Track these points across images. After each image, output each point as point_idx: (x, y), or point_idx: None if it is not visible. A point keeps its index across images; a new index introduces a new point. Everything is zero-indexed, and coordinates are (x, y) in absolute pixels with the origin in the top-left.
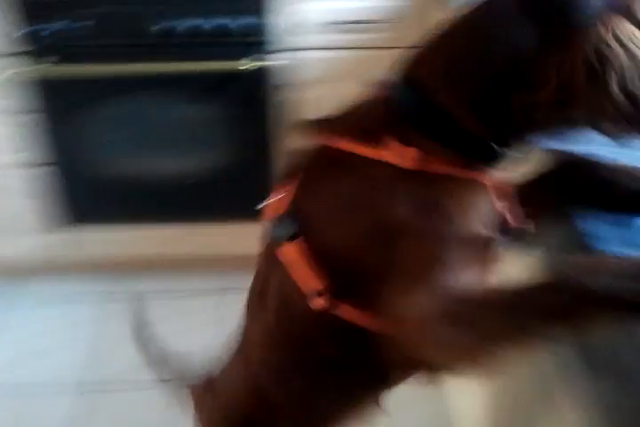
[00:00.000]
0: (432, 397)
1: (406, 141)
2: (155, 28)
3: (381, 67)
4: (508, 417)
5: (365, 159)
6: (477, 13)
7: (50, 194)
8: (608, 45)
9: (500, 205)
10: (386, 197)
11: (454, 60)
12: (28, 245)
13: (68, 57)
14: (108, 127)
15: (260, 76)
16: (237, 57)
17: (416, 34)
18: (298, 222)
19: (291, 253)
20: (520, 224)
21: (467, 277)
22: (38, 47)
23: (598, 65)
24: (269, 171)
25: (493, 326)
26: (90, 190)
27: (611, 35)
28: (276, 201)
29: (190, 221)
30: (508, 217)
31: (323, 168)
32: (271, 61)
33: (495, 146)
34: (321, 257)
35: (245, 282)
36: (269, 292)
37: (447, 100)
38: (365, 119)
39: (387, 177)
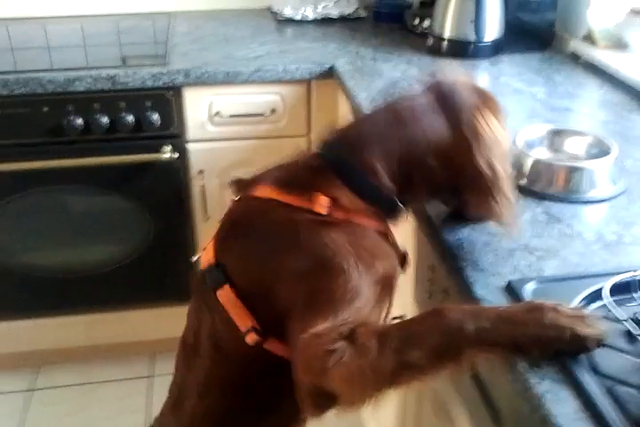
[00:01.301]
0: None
1: (327, 192)
2: (72, 126)
3: (281, 153)
4: None
5: (286, 205)
6: (400, 105)
7: None
8: (480, 130)
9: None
10: (294, 240)
11: (377, 134)
12: None
13: None
14: (19, 219)
15: (175, 165)
16: (153, 148)
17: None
18: (223, 270)
19: (224, 297)
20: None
21: (367, 313)
22: None
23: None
24: (187, 255)
25: (385, 362)
26: None
27: (483, 123)
28: (204, 252)
29: (104, 308)
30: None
31: (242, 215)
32: (185, 151)
33: (399, 203)
34: (246, 299)
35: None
36: (202, 339)
37: (368, 161)
38: (295, 173)
39: (301, 221)
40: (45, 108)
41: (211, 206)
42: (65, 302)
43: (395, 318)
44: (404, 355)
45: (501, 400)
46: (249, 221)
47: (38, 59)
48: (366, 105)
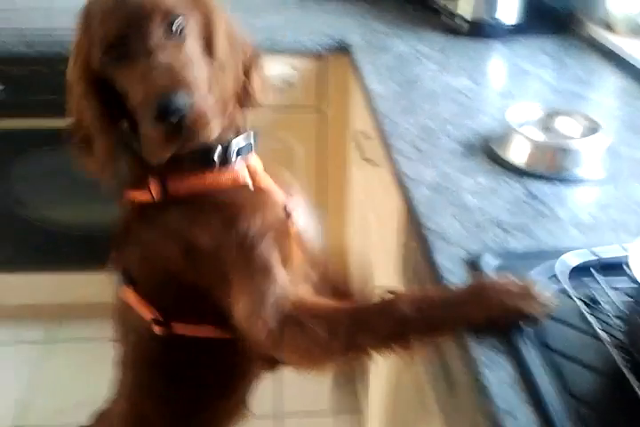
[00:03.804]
0: None
1: (156, 177)
2: None
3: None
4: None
5: (140, 203)
6: None
7: None
8: None
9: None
10: (164, 230)
11: None
12: None
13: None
14: (42, 175)
15: None
16: None
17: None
18: (127, 274)
19: (128, 295)
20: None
21: (285, 280)
22: None
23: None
24: None
25: (335, 345)
26: (7, 238)
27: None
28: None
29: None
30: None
31: (125, 220)
32: None
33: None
34: (144, 294)
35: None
36: (127, 331)
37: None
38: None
39: (154, 213)
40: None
41: None
42: (87, 259)
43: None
44: (354, 339)
45: (456, 372)
46: (127, 228)
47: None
48: (370, 78)
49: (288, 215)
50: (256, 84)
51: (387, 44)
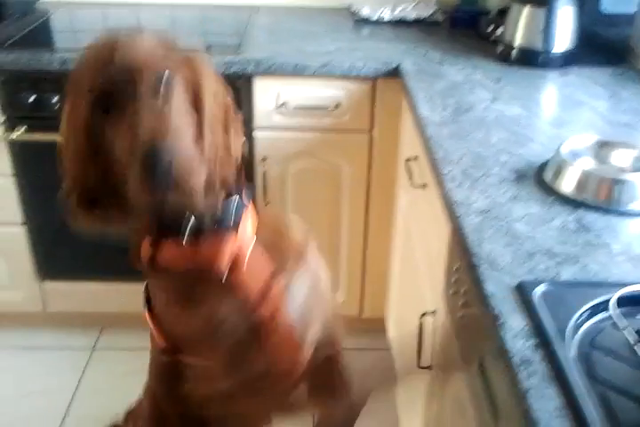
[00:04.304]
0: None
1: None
2: None
3: (342, 146)
4: None
5: None
6: None
7: (23, 251)
8: None
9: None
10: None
11: None
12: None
13: (43, 124)
14: None
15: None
16: None
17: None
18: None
19: (147, 319)
20: None
21: None
22: (15, 114)
23: None
24: None
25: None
26: (60, 248)
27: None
28: None
29: None
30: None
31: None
32: (251, 138)
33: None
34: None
35: None
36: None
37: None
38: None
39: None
40: None
41: (271, 193)
42: (132, 270)
43: (424, 315)
44: None
45: (499, 396)
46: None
47: None
48: (422, 104)
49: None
50: (236, 142)
51: (439, 72)
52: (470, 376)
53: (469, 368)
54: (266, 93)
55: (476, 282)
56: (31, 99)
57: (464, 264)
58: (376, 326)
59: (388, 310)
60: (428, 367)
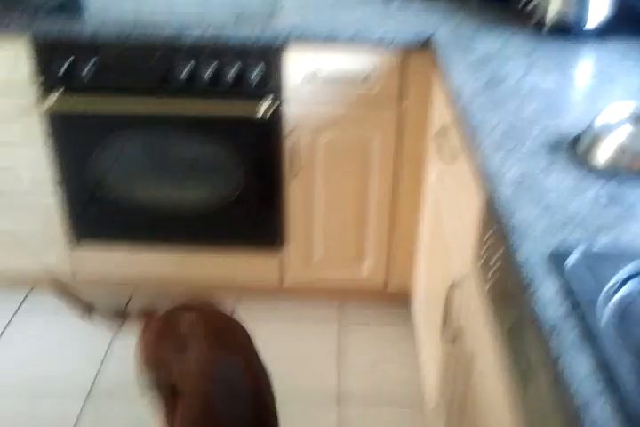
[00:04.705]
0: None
1: None
2: (177, 75)
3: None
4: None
5: None
6: None
7: (56, 215)
8: None
9: None
10: None
11: None
12: (42, 259)
13: (77, 90)
14: (127, 157)
15: (269, 120)
16: (250, 104)
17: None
18: None
19: None
20: None
21: None
22: (49, 80)
23: None
24: (274, 208)
25: None
26: (96, 211)
27: None
28: None
29: (195, 248)
30: None
31: None
32: (280, 109)
33: None
34: None
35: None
36: None
37: None
38: None
39: None
40: (157, 55)
41: (299, 163)
42: (160, 237)
43: (451, 286)
44: None
45: (530, 363)
46: None
47: (158, 8)
48: (455, 75)
49: None
50: None
51: (472, 43)
52: (500, 344)
53: (499, 336)
54: (296, 65)
55: (509, 251)
56: (65, 65)
57: (496, 234)
58: (401, 299)
59: (414, 282)
60: (452, 341)
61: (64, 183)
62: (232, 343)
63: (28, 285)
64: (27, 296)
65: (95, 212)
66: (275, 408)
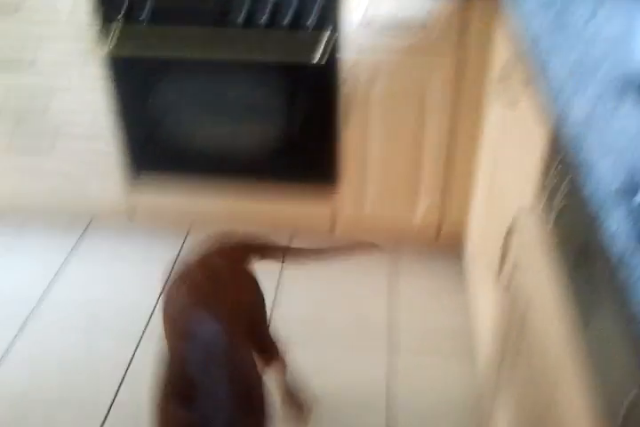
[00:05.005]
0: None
1: None
2: (237, 16)
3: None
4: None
5: None
6: None
7: (120, 154)
8: None
9: None
10: None
11: None
12: (100, 191)
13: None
14: (180, 99)
15: (325, 67)
16: (307, 49)
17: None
18: None
19: None
20: None
21: None
22: (109, 15)
23: None
24: (327, 154)
25: None
26: (154, 152)
27: None
28: None
29: (249, 187)
30: None
31: None
32: (336, 56)
33: None
34: None
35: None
36: None
37: None
38: None
39: None
40: None
41: (355, 105)
42: (216, 177)
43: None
44: None
45: (594, 294)
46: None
47: None
48: (522, 16)
49: None
50: None
51: None
52: (561, 280)
53: (561, 272)
54: (353, 12)
55: (576, 186)
56: (124, 7)
57: (561, 171)
58: (453, 248)
59: (468, 229)
60: (511, 275)
61: (123, 125)
62: (220, 305)
63: (86, 222)
64: (84, 232)
65: (153, 152)
66: (259, 381)
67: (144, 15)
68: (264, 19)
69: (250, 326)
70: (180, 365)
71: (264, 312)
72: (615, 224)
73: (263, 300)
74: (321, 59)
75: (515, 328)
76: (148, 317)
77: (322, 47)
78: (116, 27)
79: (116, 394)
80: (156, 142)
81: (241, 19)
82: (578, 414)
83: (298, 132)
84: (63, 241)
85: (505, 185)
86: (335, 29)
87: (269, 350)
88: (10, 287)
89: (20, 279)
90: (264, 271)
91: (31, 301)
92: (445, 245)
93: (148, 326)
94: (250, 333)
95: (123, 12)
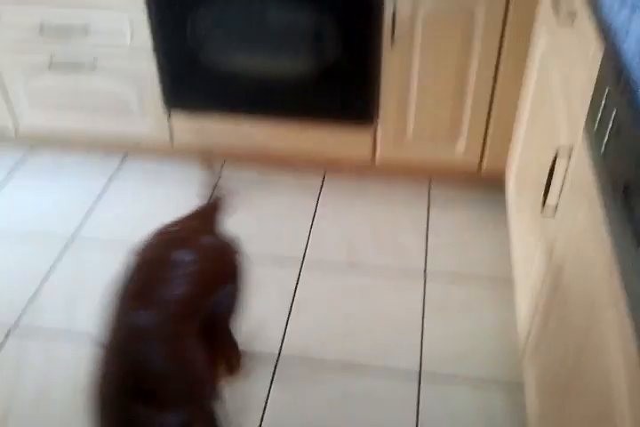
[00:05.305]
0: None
1: None
2: None
3: None
4: None
5: None
6: None
7: (158, 80)
8: None
9: None
10: None
11: None
12: (139, 117)
13: None
14: (219, 24)
15: None
16: None
17: None
18: None
19: None
20: None
21: None
22: None
23: None
24: (370, 79)
25: None
26: (191, 80)
27: None
28: None
29: (286, 118)
30: None
31: None
32: None
33: None
34: None
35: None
36: None
37: None
38: None
39: None
40: None
41: (398, 34)
42: (253, 108)
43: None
44: None
45: None
46: None
47: None
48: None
49: None
50: None
51: None
52: (610, 208)
53: (611, 199)
54: None
55: (632, 109)
56: None
57: (617, 91)
58: (494, 183)
59: (509, 163)
60: (555, 207)
61: (161, 49)
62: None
63: (124, 150)
64: (123, 160)
65: (190, 80)
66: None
67: None
68: None
69: (210, 314)
70: (123, 360)
71: (234, 302)
72: None
73: (235, 280)
74: None
75: (555, 260)
76: None
77: None
78: None
79: None
80: (193, 68)
81: None
82: (617, 344)
83: (338, 61)
84: (101, 168)
85: (553, 112)
86: None
87: (223, 342)
88: (54, 210)
89: (63, 202)
90: (300, 203)
91: (74, 222)
92: (486, 181)
93: None
94: (208, 323)
95: None
